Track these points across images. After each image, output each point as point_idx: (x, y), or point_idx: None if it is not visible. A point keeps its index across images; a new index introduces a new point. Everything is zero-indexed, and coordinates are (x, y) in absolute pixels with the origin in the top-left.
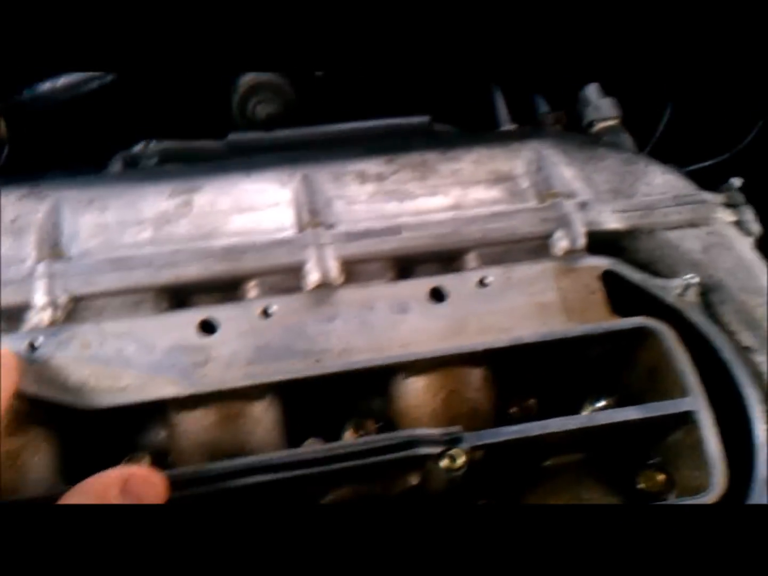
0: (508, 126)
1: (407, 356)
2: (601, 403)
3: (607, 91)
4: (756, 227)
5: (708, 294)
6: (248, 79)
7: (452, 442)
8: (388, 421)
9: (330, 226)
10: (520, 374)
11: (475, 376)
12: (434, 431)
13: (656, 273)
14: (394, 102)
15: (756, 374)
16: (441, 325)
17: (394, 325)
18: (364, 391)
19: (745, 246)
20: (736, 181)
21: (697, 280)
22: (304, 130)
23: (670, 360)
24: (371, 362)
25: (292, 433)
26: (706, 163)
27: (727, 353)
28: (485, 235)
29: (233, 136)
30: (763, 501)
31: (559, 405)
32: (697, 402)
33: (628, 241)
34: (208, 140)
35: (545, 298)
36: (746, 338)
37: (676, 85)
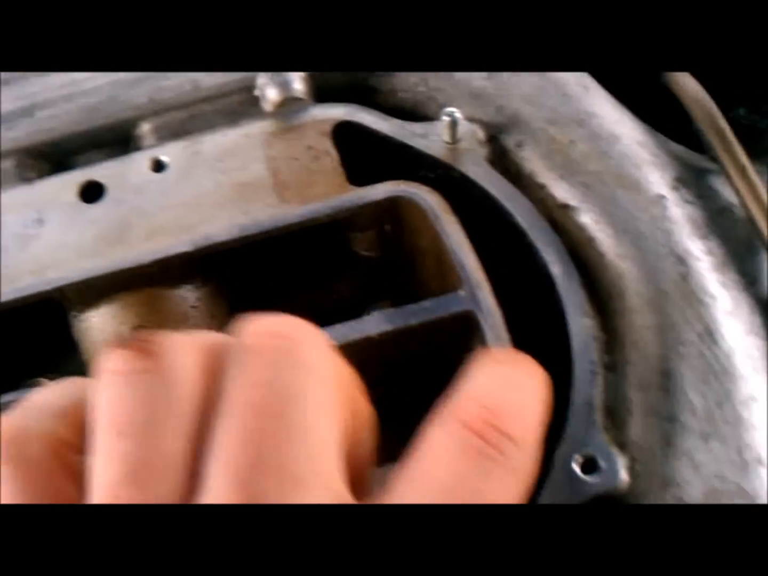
0: None
1: (26, 289)
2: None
3: None
4: None
5: (499, 137)
6: None
7: None
8: None
9: None
10: (252, 286)
11: (171, 300)
12: None
13: (424, 119)
14: None
15: (575, 245)
16: (91, 234)
17: (25, 243)
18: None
19: None
20: None
21: (459, 115)
22: None
23: (438, 240)
24: None
25: None
26: None
27: (524, 218)
28: (154, 96)
29: None
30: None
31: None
32: (474, 297)
33: (377, 78)
34: None
35: (248, 175)
36: (561, 191)
37: None
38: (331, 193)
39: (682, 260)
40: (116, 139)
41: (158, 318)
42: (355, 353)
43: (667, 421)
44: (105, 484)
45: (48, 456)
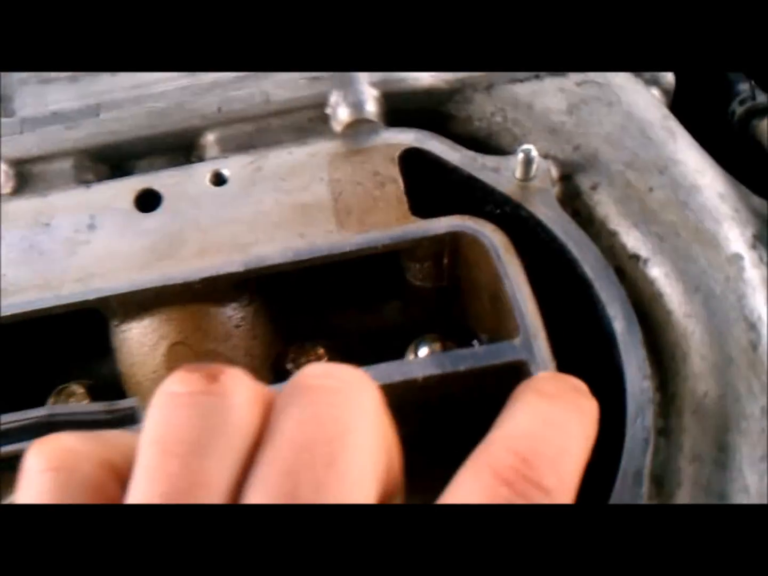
0: None
1: (69, 297)
2: (427, 348)
3: None
4: (668, 77)
5: (574, 176)
6: None
7: (121, 422)
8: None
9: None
10: (300, 304)
11: (215, 318)
12: (94, 407)
13: (498, 151)
14: None
15: (641, 299)
16: (142, 244)
17: (74, 248)
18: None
19: (639, 98)
20: None
21: (535, 153)
22: None
23: (498, 280)
24: (11, 308)
25: None
26: None
27: (591, 267)
28: (224, 106)
29: None
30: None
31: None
32: (529, 346)
33: (454, 105)
34: None
35: (310, 196)
36: (633, 240)
37: None
38: (392, 223)
39: (753, 326)
40: (179, 147)
41: (200, 335)
42: (397, 394)
43: (718, 498)
44: (141, 498)
45: (94, 474)
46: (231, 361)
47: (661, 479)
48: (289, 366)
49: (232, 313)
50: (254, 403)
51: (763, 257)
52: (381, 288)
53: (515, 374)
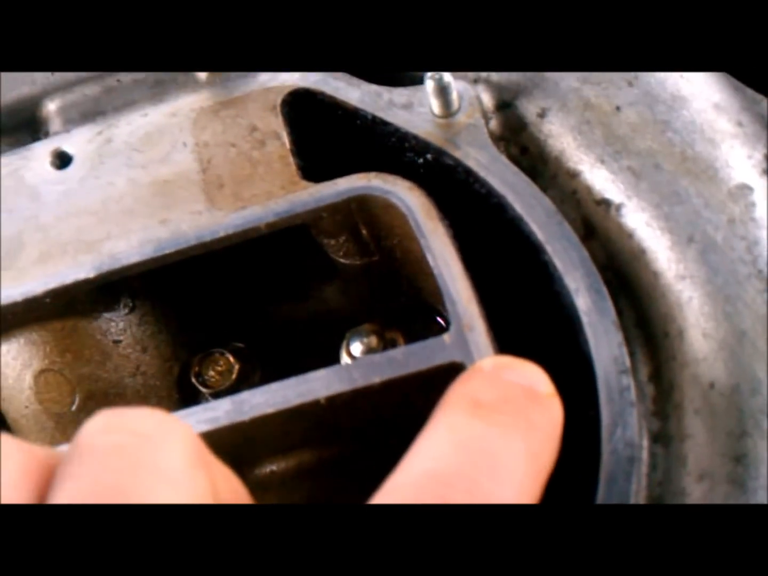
0: None
1: None
2: (360, 343)
3: None
4: None
5: (515, 103)
6: None
7: None
8: None
9: None
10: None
11: (85, 335)
12: None
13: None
14: None
15: (617, 259)
16: None
17: None
18: None
19: None
20: None
21: (449, 78)
22: None
23: (423, 256)
24: None
25: None
26: None
27: (541, 226)
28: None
29: None
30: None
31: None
32: (462, 342)
33: None
34: None
35: (171, 169)
36: (600, 181)
37: None
38: (277, 193)
39: None
40: (19, 124)
41: (70, 358)
42: (299, 420)
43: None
44: None
45: None
46: (114, 386)
47: (661, 503)
48: (193, 380)
49: (108, 327)
50: (23, 478)
51: None
52: (313, 272)
53: (454, 376)
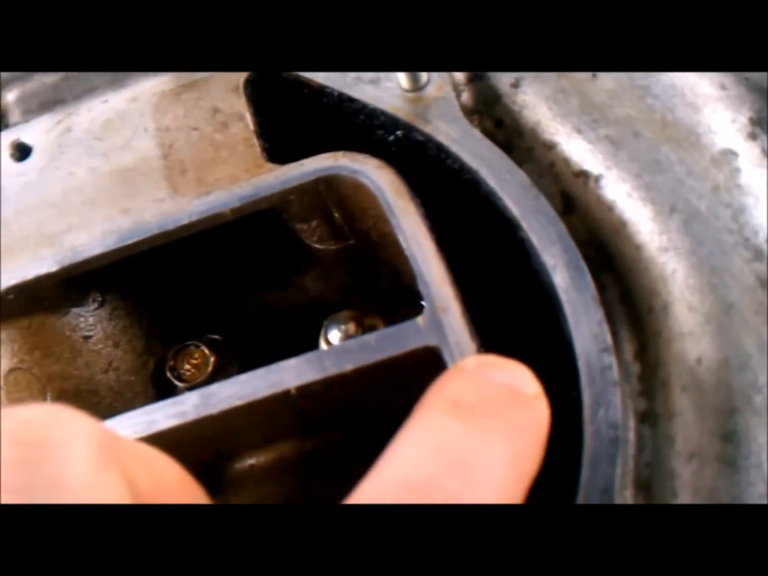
0: None
1: None
2: (337, 331)
3: None
4: None
5: (487, 74)
6: None
7: None
8: None
9: None
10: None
11: (53, 332)
12: None
13: None
14: None
15: (598, 232)
16: None
17: None
18: None
19: None
20: None
21: None
22: None
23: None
24: None
25: None
26: None
27: (516, 201)
28: None
29: None
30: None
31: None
32: (437, 325)
33: None
34: None
35: (132, 157)
36: (578, 152)
37: None
38: (241, 177)
39: (759, 253)
40: None
41: (39, 356)
42: (269, 409)
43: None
44: None
45: None
46: (86, 382)
47: (649, 486)
48: (168, 375)
49: (77, 322)
50: None
51: (765, 148)
52: (292, 260)
53: (428, 362)
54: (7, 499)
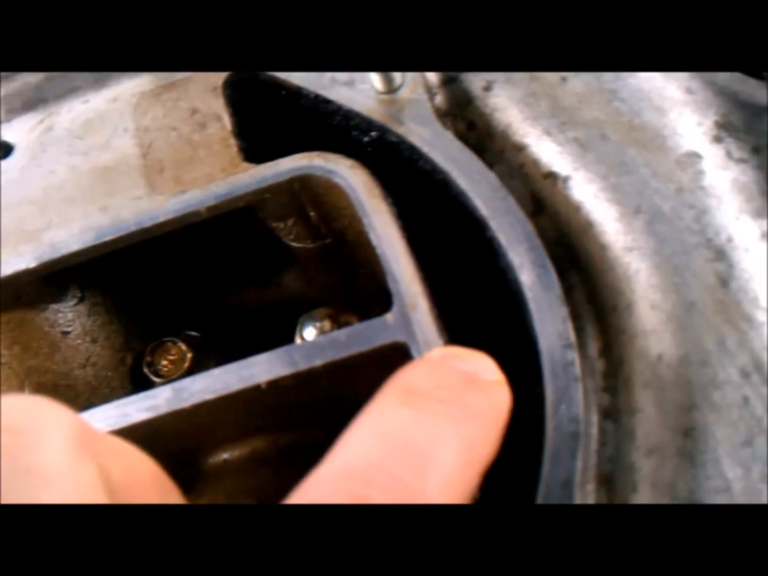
0: None
1: None
2: (312, 328)
3: None
4: None
5: (460, 77)
6: None
7: None
8: None
9: None
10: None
11: (32, 327)
12: None
13: None
14: None
15: (566, 232)
16: None
17: None
18: None
19: None
20: None
21: None
22: None
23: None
24: None
25: None
26: None
27: (485, 201)
28: None
29: None
30: None
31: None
32: (405, 322)
33: None
34: None
35: (112, 156)
36: (547, 153)
37: None
38: (218, 175)
39: (721, 253)
40: None
41: (18, 350)
42: (240, 404)
43: (687, 503)
44: None
45: None
46: (64, 377)
47: (611, 480)
48: (145, 370)
49: (55, 318)
50: None
51: (731, 152)
52: (271, 258)
53: (398, 359)
54: None
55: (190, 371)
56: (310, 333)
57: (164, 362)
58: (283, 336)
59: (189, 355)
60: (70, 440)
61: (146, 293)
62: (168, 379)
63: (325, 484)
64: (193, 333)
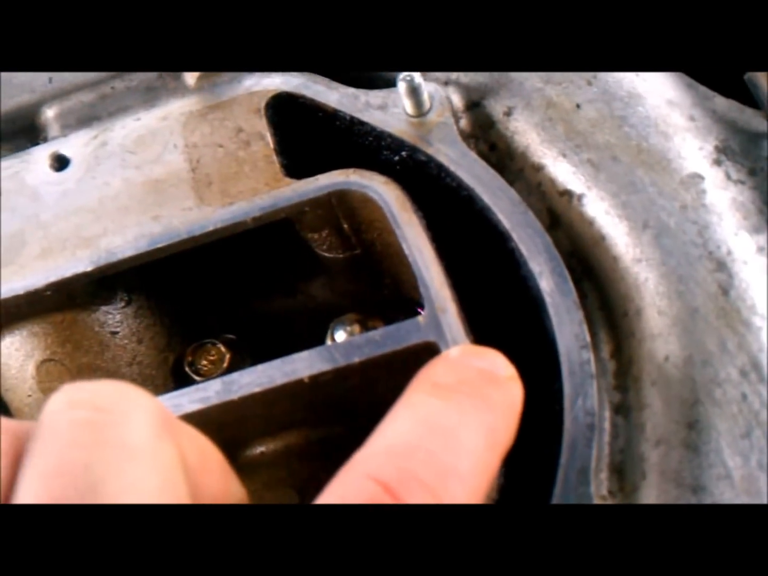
0: None
1: None
2: (343, 332)
3: None
4: None
5: (484, 103)
6: None
7: None
8: None
9: None
10: (208, 294)
11: (84, 327)
12: None
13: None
14: None
15: (580, 245)
16: None
17: None
18: None
19: None
20: None
21: (419, 80)
22: None
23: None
24: None
25: None
26: None
27: (507, 215)
28: (56, 75)
29: None
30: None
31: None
32: (436, 323)
33: None
34: None
35: (163, 170)
36: (563, 173)
37: None
38: (261, 189)
39: (721, 265)
40: (19, 130)
41: (70, 348)
42: (283, 397)
43: (692, 491)
44: None
45: None
46: (112, 375)
47: (622, 469)
48: (187, 369)
49: (105, 319)
50: None
51: (730, 174)
52: (300, 266)
53: (429, 356)
54: (73, 456)
55: (228, 371)
56: (340, 336)
57: (204, 362)
58: (310, 340)
59: (227, 356)
60: (153, 421)
61: (187, 297)
62: (207, 378)
63: (373, 459)
64: (231, 336)
